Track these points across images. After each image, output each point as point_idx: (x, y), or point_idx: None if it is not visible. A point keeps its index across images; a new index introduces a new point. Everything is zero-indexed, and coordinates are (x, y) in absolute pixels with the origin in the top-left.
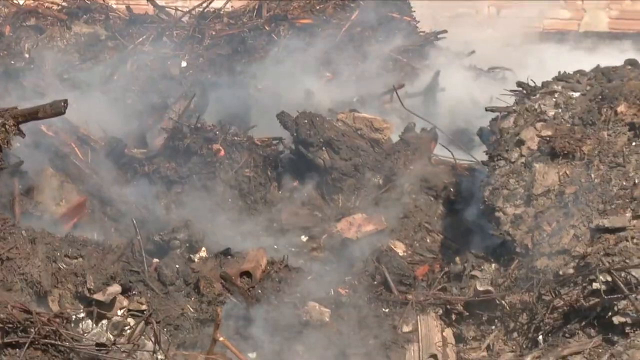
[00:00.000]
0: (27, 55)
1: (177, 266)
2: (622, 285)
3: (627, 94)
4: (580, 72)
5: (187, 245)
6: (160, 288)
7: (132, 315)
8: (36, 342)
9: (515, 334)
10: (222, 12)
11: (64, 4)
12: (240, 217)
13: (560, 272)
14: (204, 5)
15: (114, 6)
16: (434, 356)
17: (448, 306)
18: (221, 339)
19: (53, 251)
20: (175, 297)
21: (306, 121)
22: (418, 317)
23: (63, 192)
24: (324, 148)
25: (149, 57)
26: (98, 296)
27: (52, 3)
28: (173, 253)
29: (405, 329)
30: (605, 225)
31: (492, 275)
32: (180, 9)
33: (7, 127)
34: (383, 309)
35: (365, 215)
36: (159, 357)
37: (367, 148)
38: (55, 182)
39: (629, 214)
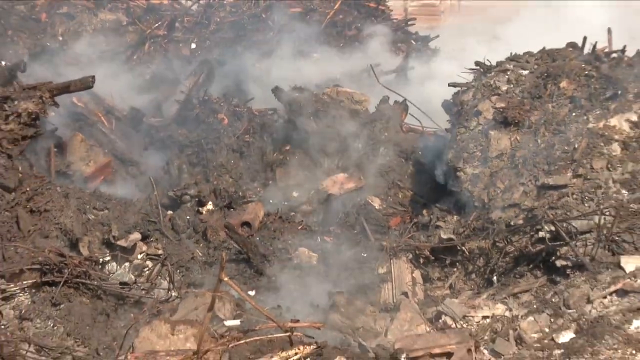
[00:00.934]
0: (60, 38)
1: (188, 217)
2: (563, 234)
3: (569, 71)
4: (529, 53)
5: (196, 199)
6: (174, 236)
7: (150, 259)
8: (69, 281)
9: (473, 275)
10: (225, 2)
11: None
12: (241, 176)
13: (512, 223)
14: None
15: None
16: (405, 293)
17: (417, 251)
18: (226, 279)
19: (83, 204)
20: (186, 243)
21: (297, 94)
22: (391, 261)
23: (91, 155)
24: (311, 117)
25: (163, 39)
26: (121, 242)
27: None
28: (184, 206)
29: (381, 270)
30: (550, 183)
31: (454, 225)
32: None
33: (43, 98)
34: (362, 254)
35: (346, 174)
36: (173, 294)
37: (348, 117)
38: (84, 146)
39: (569, 174)
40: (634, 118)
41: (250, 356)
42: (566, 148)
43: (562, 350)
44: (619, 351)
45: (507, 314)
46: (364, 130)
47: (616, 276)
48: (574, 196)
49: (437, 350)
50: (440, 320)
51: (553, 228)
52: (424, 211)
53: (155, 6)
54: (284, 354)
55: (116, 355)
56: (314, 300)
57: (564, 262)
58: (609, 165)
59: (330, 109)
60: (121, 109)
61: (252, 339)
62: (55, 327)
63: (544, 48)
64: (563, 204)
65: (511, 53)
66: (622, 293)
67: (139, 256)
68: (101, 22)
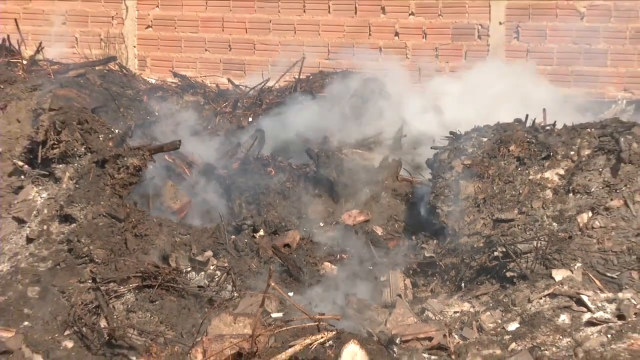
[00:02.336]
0: (156, 114)
1: (246, 240)
2: (511, 254)
3: (515, 139)
4: (487, 126)
5: (252, 227)
6: (236, 253)
7: (219, 270)
8: (162, 285)
9: (447, 282)
10: (272, 88)
11: (179, 83)
12: (283, 212)
13: (475, 246)
14: (262, 84)
15: (208, 84)
16: (399, 295)
17: (408, 265)
18: (272, 284)
19: (172, 230)
20: (245, 259)
21: (323, 154)
22: (389, 272)
23: (177, 196)
24: (334, 170)
25: (229, 115)
26: (199, 258)
27: (171, 82)
28: (243, 233)
29: (382, 279)
30: (502, 217)
31: (434, 247)
32: (247, 86)
33: (145, 156)
34: (369, 267)
35: (358, 211)
36: (235, 294)
37: (359, 171)
38: (173, 190)
39: (516, 211)
40: (561, 172)
41: (289, 339)
42: (513, 193)
43: (510, 336)
44: (550, 337)
45: (471, 310)
46: (371, 180)
47: (548, 284)
48: (519, 227)
49: (421, 335)
50: (424, 314)
51: (504, 249)
52: (413, 237)
53: (224, 91)
54: (313, 337)
55: (194, 338)
56: (335, 300)
57: (512, 274)
58: (544, 205)
59: (347, 165)
60: (199, 163)
61: (290, 327)
62: (152, 317)
63: (498, 122)
64: (511, 233)
65: (475, 125)
66: (552, 296)
67: (211, 268)
68: (185, 102)
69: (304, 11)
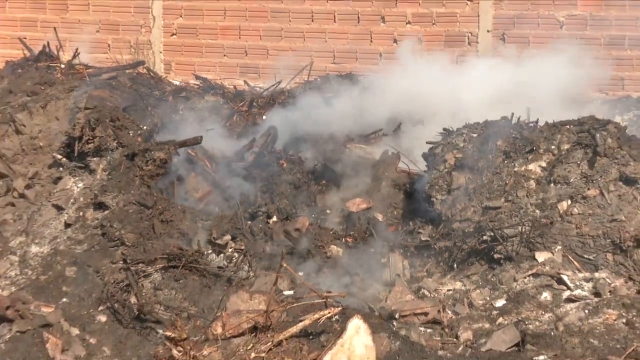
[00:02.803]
0: (181, 112)
1: (260, 225)
2: (499, 238)
3: (502, 135)
4: (477, 123)
5: (266, 214)
6: (251, 237)
7: (236, 252)
8: (185, 266)
9: (441, 264)
10: (284, 89)
11: (200, 85)
12: (294, 200)
13: (466, 231)
14: (275, 86)
15: (227, 86)
16: (398, 275)
17: (406, 248)
18: (284, 265)
19: (194, 217)
20: (260, 242)
21: (329, 148)
22: (389, 254)
23: (199, 185)
24: (339, 162)
25: (245, 113)
26: (218, 241)
27: (194, 84)
28: (258, 219)
29: (383, 260)
30: (490, 205)
31: (429, 232)
32: (262, 87)
33: (170, 150)
34: (371, 250)
35: (361, 199)
36: (251, 274)
37: (362, 164)
38: (195, 180)
39: (502, 199)
40: (544, 164)
41: (299, 314)
42: (500, 183)
43: (498, 311)
44: (534, 312)
45: (463, 288)
46: (372, 172)
47: (532, 264)
48: (505, 214)
49: (418, 311)
50: (420, 292)
51: (492, 234)
52: (410, 222)
53: (240, 92)
54: (321, 312)
55: (215, 313)
56: (340, 279)
57: (499, 255)
58: (528, 194)
59: (351, 157)
60: (218, 156)
61: (301, 303)
62: (176, 294)
63: (486, 120)
64: (498, 219)
65: (466, 123)
66: (535, 275)
67: (229, 250)
68: (206, 102)
69: (312, 20)
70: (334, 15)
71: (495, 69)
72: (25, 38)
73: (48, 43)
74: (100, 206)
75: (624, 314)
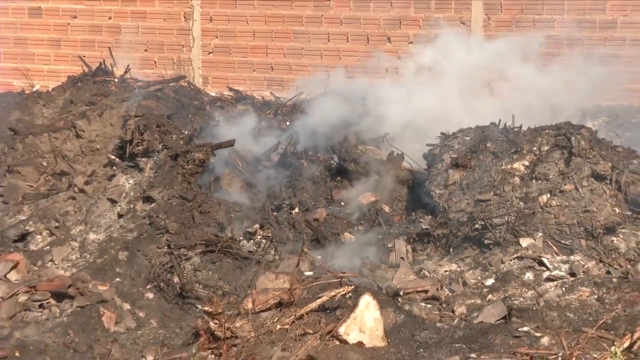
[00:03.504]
0: (216, 119)
1: (285, 216)
2: (488, 226)
3: (491, 138)
4: (470, 128)
5: (289, 206)
6: (277, 226)
7: (264, 238)
8: (220, 250)
9: (439, 248)
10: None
11: (233, 96)
12: (313, 194)
13: (460, 220)
14: (296, 96)
15: (256, 97)
16: (402, 258)
17: (409, 235)
18: (305, 249)
19: (228, 208)
20: (284, 230)
21: (343, 149)
22: (395, 240)
23: (232, 181)
24: (352, 162)
25: (271, 120)
26: (249, 229)
27: (228, 95)
28: (282, 210)
29: (389, 245)
30: (481, 198)
31: (429, 221)
32: (285, 98)
33: (207, 151)
34: (379, 236)
35: (370, 193)
36: (276, 257)
37: (371, 163)
38: (229, 177)
39: (491, 193)
40: (526, 163)
41: (318, 291)
42: (489, 179)
43: (488, 289)
44: (518, 290)
45: (458, 269)
46: (380, 169)
47: (517, 249)
48: (494, 205)
49: (419, 289)
50: (421, 273)
51: (483, 222)
52: (413, 213)
53: (267, 102)
54: (336, 290)
55: (246, 291)
56: (353, 261)
57: (488, 241)
58: (513, 189)
59: (362, 157)
60: (249, 157)
61: (319, 282)
62: (213, 275)
63: (477, 125)
64: (488, 210)
65: (459, 128)
66: (520, 258)
67: (258, 237)
68: (238, 110)
69: (328, 40)
70: (347, 37)
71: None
72: (85, 56)
73: (104, 60)
74: (148, 199)
75: (595, 291)
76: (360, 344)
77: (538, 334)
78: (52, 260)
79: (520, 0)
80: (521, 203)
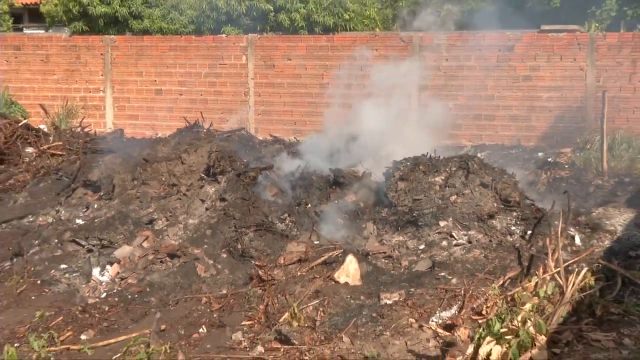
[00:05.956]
0: (262, 153)
1: (303, 208)
2: (421, 214)
3: (421, 163)
4: (409, 157)
5: (305, 203)
6: (298, 215)
7: (291, 222)
8: (265, 229)
9: (392, 227)
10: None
11: (273, 139)
12: (319, 196)
13: (405, 211)
14: (309, 139)
15: (285, 139)
16: (371, 233)
17: (375, 220)
18: (314, 229)
19: (269, 204)
20: (302, 217)
21: (337, 171)
22: (366, 222)
23: (272, 189)
24: (341, 177)
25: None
26: (281, 217)
27: (269, 139)
28: (302, 204)
29: (363, 226)
30: (416, 198)
31: (386, 212)
32: (302, 140)
33: (257, 172)
34: (358, 220)
35: (353, 195)
36: (298, 233)
37: (353, 178)
38: (269, 186)
39: (423, 195)
40: (443, 177)
41: (322, 253)
42: (421, 187)
43: (420, 251)
44: (439, 251)
45: (403, 239)
46: (358, 182)
47: (438, 227)
48: (424, 203)
49: (381, 251)
50: (382, 241)
51: (417, 212)
52: (377, 207)
53: (292, 142)
54: (333, 252)
55: (280, 252)
56: (342, 235)
57: (421, 223)
58: (434, 193)
59: (347, 175)
60: (281, 174)
61: (322, 247)
62: (260, 243)
63: (414, 155)
64: (421, 205)
65: (404, 157)
66: (439, 233)
67: (287, 221)
68: (275, 148)
69: (328, 108)
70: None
71: None
72: (186, 117)
73: (197, 120)
74: (222, 200)
75: (482, 252)
76: (346, 283)
77: (450, 277)
78: (167, 235)
79: None
80: (440, 201)
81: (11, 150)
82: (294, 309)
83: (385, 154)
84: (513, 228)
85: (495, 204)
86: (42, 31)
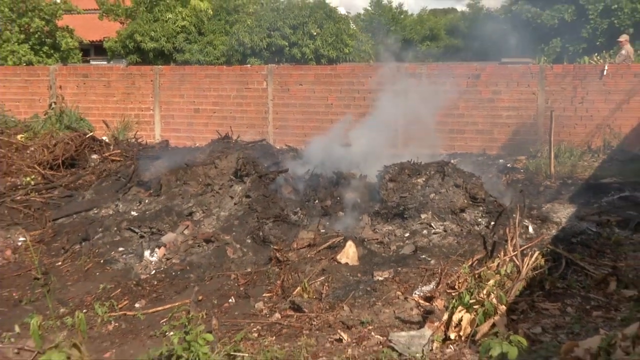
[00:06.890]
0: (280, 159)
1: (312, 203)
2: (406, 208)
3: (407, 167)
4: (396, 163)
5: (314, 199)
6: (308, 208)
7: (302, 214)
8: (281, 220)
9: (383, 219)
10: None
11: (288, 147)
12: (325, 193)
13: (393, 205)
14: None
15: (298, 148)
16: (367, 223)
17: (369, 213)
18: (321, 220)
19: (285, 200)
20: (312, 210)
21: (340, 173)
22: (362, 215)
23: (287, 188)
24: (343, 178)
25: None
26: (295, 210)
27: (285, 147)
28: (311, 201)
29: (360, 218)
30: (403, 195)
31: (379, 206)
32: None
33: (275, 174)
34: (355, 213)
35: (351, 192)
36: (308, 223)
37: (352, 180)
38: (285, 185)
39: (407, 194)
40: (423, 179)
41: (328, 239)
42: (406, 187)
43: (406, 238)
44: (421, 239)
45: (392, 228)
46: (357, 183)
47: (420, 219)
48: (409, 198)
49: (374, 238)
50: (375, 230)
51: (404, 206)
52: (371, 202)
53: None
54: (335, 239)
55: (293, 239)
56: (344, 225)
57: (406, 216)
58: (417, 191)
59: (347, 176)
60: (295, 176)
61: (327, 235)
62: (277, 231)
63: (400, 162)
64: (406, 200)
65: (392, 162)
66: (421, 223)
67: (299, 213)
68: (290, 155)
69: (331, 123)
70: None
71: None
72: (219, 130)
73: (227, 132)
74: (248, 196)
75: (455, 239)
76: (347, 264)
77: (429, 259)
78: (203, 224)
79: None
80: (421, 198)
81: (80, 157)
82: (304, 283)
83: (377, 160)
84: (479, 220)
85: (465, 201)
86: (105, 62)
